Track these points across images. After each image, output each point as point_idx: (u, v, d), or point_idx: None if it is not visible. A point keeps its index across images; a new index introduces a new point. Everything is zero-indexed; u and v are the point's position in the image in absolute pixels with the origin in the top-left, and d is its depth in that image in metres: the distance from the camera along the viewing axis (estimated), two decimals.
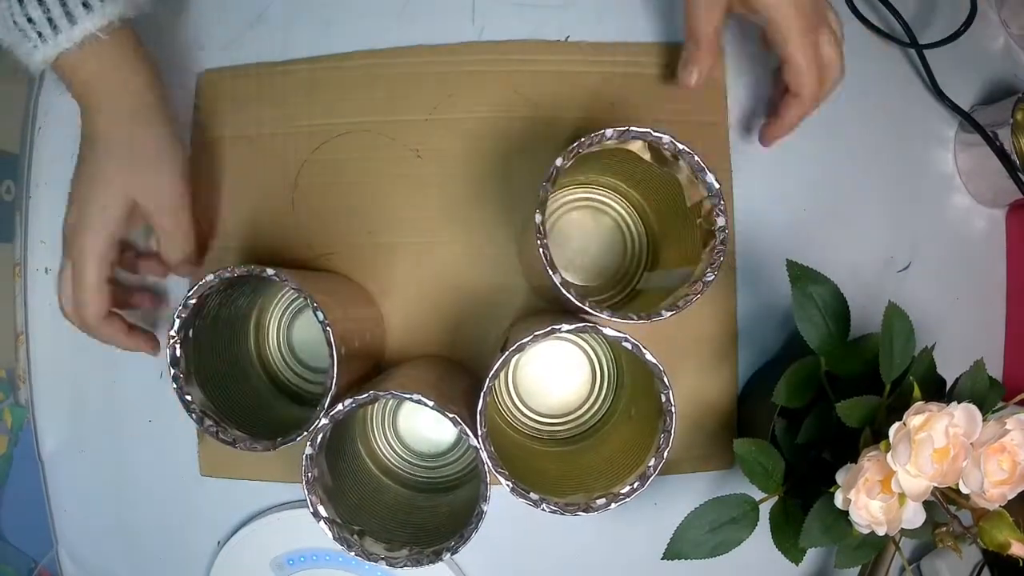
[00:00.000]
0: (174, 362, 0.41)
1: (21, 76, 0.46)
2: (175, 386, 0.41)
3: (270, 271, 0.40)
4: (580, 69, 0.51)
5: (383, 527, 0.43)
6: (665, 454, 0.40)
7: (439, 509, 0.46)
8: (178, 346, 0.41)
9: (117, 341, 0.47)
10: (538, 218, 0.38)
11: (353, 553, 0.40)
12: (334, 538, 0.40)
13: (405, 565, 0.40)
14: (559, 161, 0.39)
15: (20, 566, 0.52)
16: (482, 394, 0.39)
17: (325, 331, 0.39)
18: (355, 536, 0.41)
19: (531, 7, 0.52)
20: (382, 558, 0.40)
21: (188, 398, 0.41)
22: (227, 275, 0.40)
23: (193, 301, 0.41)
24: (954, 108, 0.52)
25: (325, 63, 0.52)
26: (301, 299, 0.50)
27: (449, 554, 0.40)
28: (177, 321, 0.41)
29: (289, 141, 0.51)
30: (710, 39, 0.44)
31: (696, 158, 0.40)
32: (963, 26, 0.50)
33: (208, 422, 0.42)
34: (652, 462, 0.40)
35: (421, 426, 0.51)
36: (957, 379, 0.39)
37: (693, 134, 0.51)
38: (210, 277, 0.40)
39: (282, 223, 0.51)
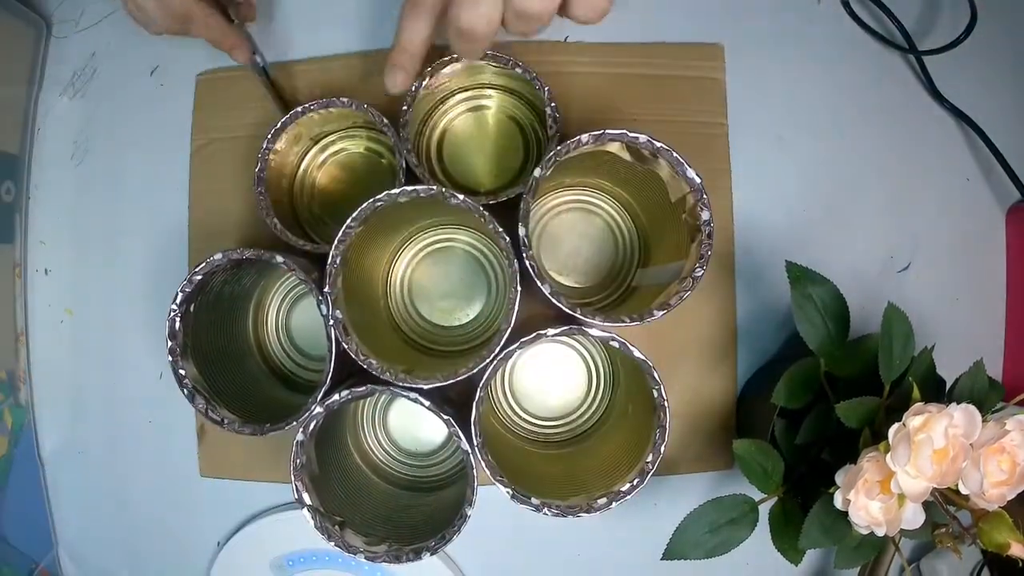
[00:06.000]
0: (172, 335, 0.41)
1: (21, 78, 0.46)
2: (170, 359, 0.41)
3: (279, 258, 0.41)
4: (579, 70, 0.51)
5: (365, 521, 0.43)
6: (662, 449, 0.40)
7: (422, 508, 0.46)
8: (178, 319, 0.41)
9: (211, 35, 0.45)
10: (522, 231, 0.38)
11: (333, 543, 0.40)
12: (315, 527, 0.40)
13: (384, 560, 0.40)
14: (537, 172, 0.39)
15: (20, 567, 0.51)
16: (475, 403, 0.39)
17: (327, 327, 0.40)
18: (336, 527, 0.41)
19: None
20: (361, 551, 0.41)
21: (182, 372, 0.42)
22: (236, 256, 0.41)
23: (199, 277, 0.41)
24: (952, 110, 0.52)
25: (325, 63, 0.52)
26: (303, 287, 0.50)
27: (429, 554, 0.40)
28: (180, 295, 0.41)
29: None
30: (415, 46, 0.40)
31: (674, 154, 0.40)
32: (963, 34, 0.50)
33: (199, 399, 0.42)
34: (650, 458, 0.40)
35: (411, 425, 0.51)
36: (957, 380, 0.39)
37: (693, 134, 0.51)
38: (218, 256, 0.41)
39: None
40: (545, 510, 0.39)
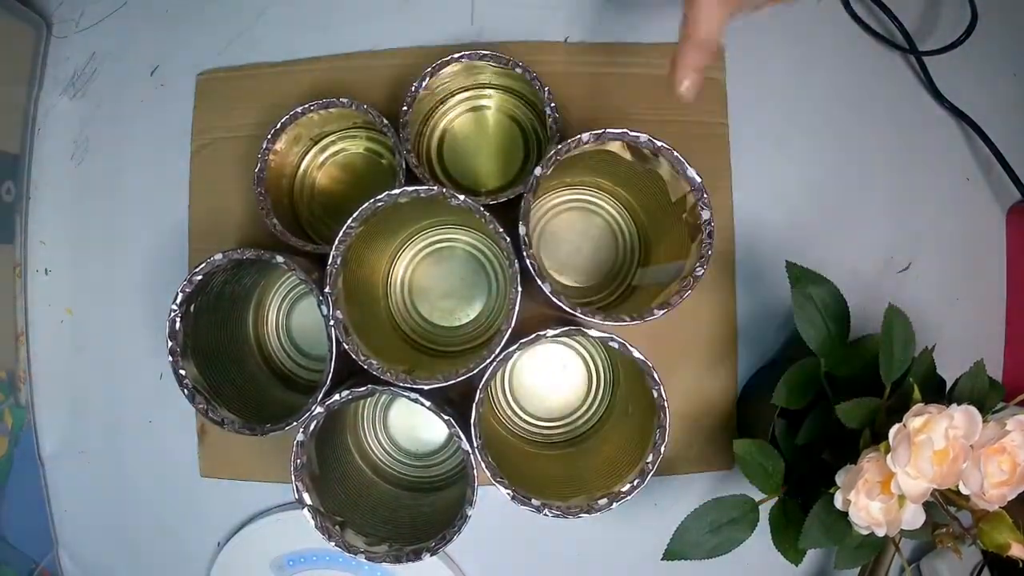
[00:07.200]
0: (172, 335, 0.41)
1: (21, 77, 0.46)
2: (171, 359, 0.41)
3: (280, 258, 0.41)
4: (580, 70, 0.51)
5: (365, 521, 0.43)
6: (662, 449, 0.40)
7: (423, 509, 0.46)
8: (178, 320, 0.41)
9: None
10: (522, 230, 0.38)
11: (333, 543, 0.40)
12: (316, 527, 0.40)
13: (384, 560, 0.40)
14: (538, 171, 0.39)
15: (20, 567, 0.51)
16: (475, 405, 0.39)
17: (328, 328, 0.40)
18: (336, 527, 0.41)
19: (530, 7, 0.52)
20: (362, 551, 0.41)
21: (182, 373, 0.42)
22: (236, 256, 0.41)
23: (199, 277, 0.41)
24: (953, 110, 0.52)
25: (325, 63, 0.52)
26: (303, 287, 0.50)
27: (429, 554, 0.40)
28: (180, 295, 0.41)
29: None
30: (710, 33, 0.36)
31: (675, 154, 0.40)
32: (964, 35, 0.50)
33: (199, 399, 0.42)
34: (650, 458, 0.40)
35: (412, 425, 0.51)
36: (957, 380, 0.39)
37: (694, 134, 0.51)
38: (219, 256, 0.41)
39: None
40: (546, 511, 0.39)
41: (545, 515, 0.39)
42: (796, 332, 0.42)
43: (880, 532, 0.35)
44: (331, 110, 0.46)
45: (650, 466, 0.40)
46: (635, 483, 0.40)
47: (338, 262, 0.39)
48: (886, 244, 0.52)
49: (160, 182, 0.53)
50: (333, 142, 0.51)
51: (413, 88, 0.46)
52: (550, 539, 0.52)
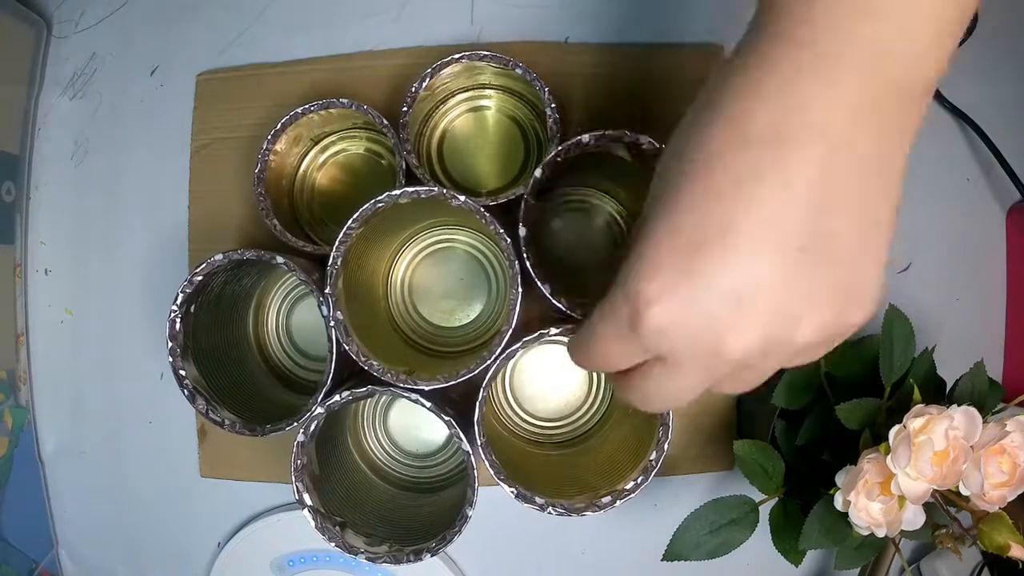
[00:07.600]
0: (172, 336, 0.41)
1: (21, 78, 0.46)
2: (171, 359, 0.41)
3: (280, 259, 0.41)
4: (580, 71, 0.51)
5: (366, 521, 0.43)
6: (666, 446, 0.40)
7: (423, 509, 0.46)
8: (178, 320, 0.41)
9: None
10: (522, 231, 0.38)
11: (333, 544, 0.40)
12: (316, 527, 0.40)
13: (385, 561, 0.40)
14: (538, 173, 0.39)
15: (20, 566, 0.52)
16: (477, 404, 0.39)
17: (328, 328, 0.40)
18: (336, 527, 0.41)
19: (530, 7, 0.52)
20: (362, 552, 0.41)
21: (182, 373, 0.42)
22: (236, 256, 0.41)
23: (199, 278, 0.41)
24: (953, 110, 0.52)
25: (325, 63, 0.52)
26: (304, 288, 0.50)
27: (429, 555, 0.40)
28: (180, 295, 0.41)
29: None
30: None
31: None
32: (964, 35, 0.50)
33: (199, 400, 0.42)
34: (653, 456, 0.40)
35: (412, 425, 0.51)
36: (957, 381, 0.39)
37: None
38: (219, 256, 0.41)
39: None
40: (549, 509, 0.39)
41: (549, 513, 0.39)
42: None
43: (880, 533, 0.35)
44: (331, 110, 0.46)
45: (654, 463, 0.40)
46: (639, 481, 0.40)
47: (338, 263, 0.39)
48: None
49: (160, 182, 0.53)
50: (333, 143, 0.51)
51: (413, 89, 0.46)
52: (550, 540, 0.52)
